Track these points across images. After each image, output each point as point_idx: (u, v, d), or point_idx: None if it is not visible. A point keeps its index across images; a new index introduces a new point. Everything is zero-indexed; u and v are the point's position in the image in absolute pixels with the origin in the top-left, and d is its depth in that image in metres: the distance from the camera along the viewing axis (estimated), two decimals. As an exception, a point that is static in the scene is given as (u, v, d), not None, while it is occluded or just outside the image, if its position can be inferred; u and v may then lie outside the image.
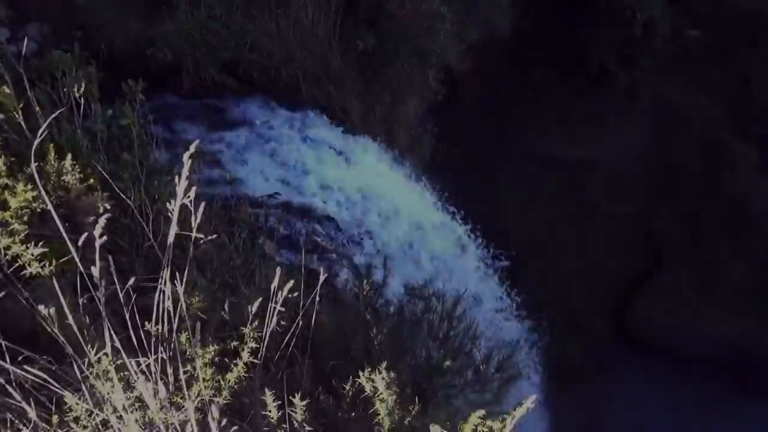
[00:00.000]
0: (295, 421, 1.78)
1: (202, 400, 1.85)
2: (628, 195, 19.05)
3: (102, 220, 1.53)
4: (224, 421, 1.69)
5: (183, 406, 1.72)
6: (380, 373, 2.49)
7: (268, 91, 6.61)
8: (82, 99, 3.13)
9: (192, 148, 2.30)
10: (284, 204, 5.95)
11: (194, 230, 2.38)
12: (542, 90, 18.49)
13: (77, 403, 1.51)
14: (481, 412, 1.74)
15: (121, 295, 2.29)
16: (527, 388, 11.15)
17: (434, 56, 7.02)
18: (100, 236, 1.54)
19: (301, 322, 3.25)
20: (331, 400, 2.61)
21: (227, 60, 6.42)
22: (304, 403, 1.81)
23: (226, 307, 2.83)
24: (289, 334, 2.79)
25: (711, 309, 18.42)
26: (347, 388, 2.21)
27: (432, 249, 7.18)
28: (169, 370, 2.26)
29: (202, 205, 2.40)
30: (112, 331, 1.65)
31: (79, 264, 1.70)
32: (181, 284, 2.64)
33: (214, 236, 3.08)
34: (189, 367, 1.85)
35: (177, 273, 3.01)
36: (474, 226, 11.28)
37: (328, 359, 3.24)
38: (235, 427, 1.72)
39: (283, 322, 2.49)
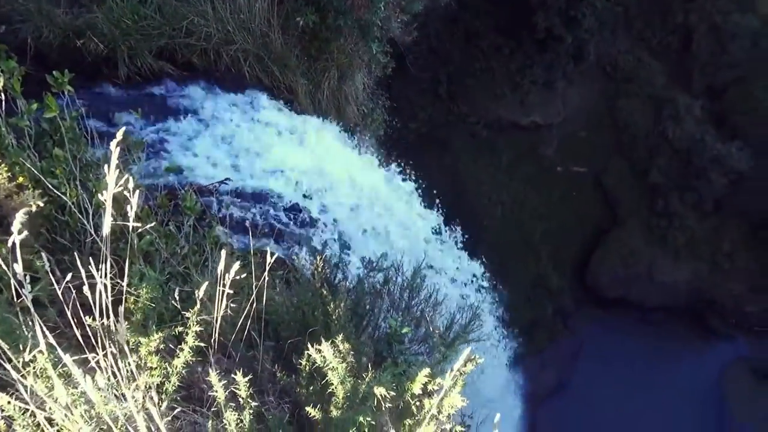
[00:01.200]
0: (240, 399, 1.78)
1: (151, 388, 1.83)
2: (582, 155, 19.51)
3: (20, 215, 1.47)
4: (164, 406, 1.67)
5: (133, 397, 1.69)
6: (333, 344, 2.51)
7: (210, 75, 6.44)
8: (2, 94, 2.98)
9: (119, 136, 2.24)
10: (237, 189, 5.85)
11: (131, 220, 2.33)
12: (491, 57, 18.60)
13: (9, 402, 1.46)
14: (427, 371, 1.78)
15: (60, 293, 2.23)
16: (498, 350, 11.44)
17: (377, 29, 6.94)
18: (20, 232, 1.48)
19: (255, 304, 3.24)
20: (293, 378, 2.61)
21: (163, 46, 6.20)
22: (246, 379, 1.80)
23: (176, 296, 2.78)
24: (243, 317, 2.77)
25: (666, 258, 19.20)
26: (303, 363, 2.22)
27: (394, 224, 7.19)
28: (121, 364, 2.22)
29: (137, 193, 2.34)
30: (44, 328, 1.60)
31: (2, 264, 1.64)
32: (125, 276, 2.58)
33: (154, 225, 3.01)
34: (135, 358, 1.82)
35: (124, 266, 2.94)
36: (433, 196, 11.36)
37: (288, 339, 3.24)
38: (179, 409, 1.71)
39: (233, 305, 2.47)
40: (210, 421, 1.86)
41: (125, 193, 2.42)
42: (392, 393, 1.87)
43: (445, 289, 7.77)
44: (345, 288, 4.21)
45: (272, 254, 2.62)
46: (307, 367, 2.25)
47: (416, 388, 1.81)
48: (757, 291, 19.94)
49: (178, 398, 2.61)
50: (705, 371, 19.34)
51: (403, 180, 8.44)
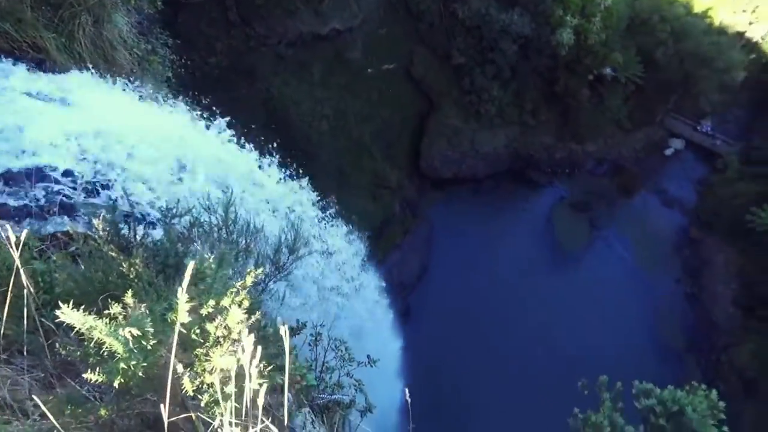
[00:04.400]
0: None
1: None
2: (387, 52, 19.91)
3: None
4: None
5: None
6: (122, 302, 2.40)
7: (-76, 50, 5.33)
8: None
9: None
10: (4, 174, 5.13)
11: None
12: (274, -31, 17.70)
13: None
14: (185, 298, 1.78)
15: None
16: (352, 258, 11.87)
17: (116, -42, 6.14)
18: None
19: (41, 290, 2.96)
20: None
21: None
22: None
23: None
24: (8, 309, 2.51)
25: (483, 130, 20.92)
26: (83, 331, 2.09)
27: (205, 167, 6.85)
28: None
29: None
30: None
31: None
32: None
33: None
34: None
35: None
36: (250, 129, 10.98)
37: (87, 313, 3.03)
38: None
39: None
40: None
41: None
42: (150, 330, 1.85)
43: (277, 216, 7.75)
44: (149, 243, 3.99)
45: (22, 231, 2.36)
46: (93, 334, 2.12)
47: (181, 318, 1.81)
48: (561, 138, 22.77)
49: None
50: (537, 216, 22.10)
51: (209, 120, 7.97)
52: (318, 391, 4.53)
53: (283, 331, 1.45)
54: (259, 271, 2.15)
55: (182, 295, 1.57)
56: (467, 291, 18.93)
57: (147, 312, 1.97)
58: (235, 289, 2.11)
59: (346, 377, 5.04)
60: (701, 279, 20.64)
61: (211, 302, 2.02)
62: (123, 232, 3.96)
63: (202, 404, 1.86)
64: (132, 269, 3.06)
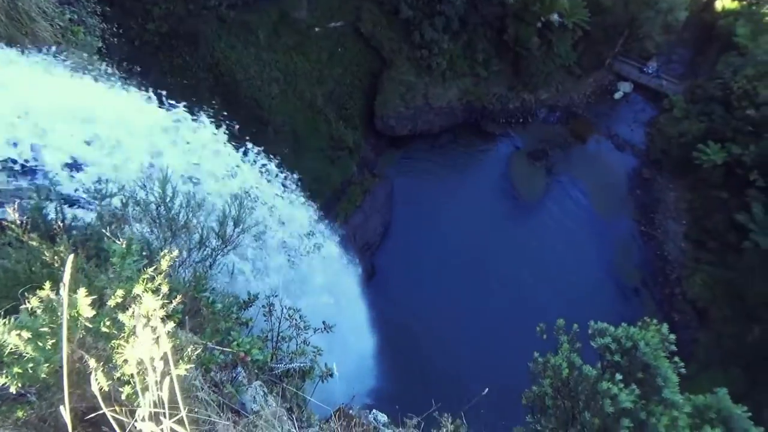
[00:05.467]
0: None
1: None
2: (333, 9, 19.30)
3: None
4: None
5: None
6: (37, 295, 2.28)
7: None
8: None
9: None
10: None
11: None
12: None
13: None
14: (83, 291, 1.69)
15: None
16: (317, 226, 11.73)
17: None
18: None
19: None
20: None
21: None
22: None
23: None
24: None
25: (436, 85, 20.72)
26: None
27: (144, 143, 6.56)
28: None
29: None
30: None
31: None
32: None
33: None
34: None
35: None
36: (198, 97, 10.56)
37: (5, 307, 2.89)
38: None
39: None
40: None
41: None
42: (45, 329, 1.76)
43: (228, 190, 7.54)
44: (80, 227, 3.83)
45: None
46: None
47: (84, 312, 1.72)
48: (514, 88, 22.76)
49: None
50: (495, 166, 22.26)
51: (143, 87, 7.58)
52: (275, 361, 4.51)
53: (161, 328, 1.38)
54: (175, 253, 2.07)
55: (65, 291, 1.48)
56: (430, 244, 19.13)
57: (53, 307, 1.86)
58: (147, 276, 2.02)
59: (304, 345, 5.02)
60: (654, 217, 21.35)
61: (120, 291, 1.92)
62: (50, 217, 3.78)
63: (123, 396, 1.79)
64: (57, 257, 2.90)
